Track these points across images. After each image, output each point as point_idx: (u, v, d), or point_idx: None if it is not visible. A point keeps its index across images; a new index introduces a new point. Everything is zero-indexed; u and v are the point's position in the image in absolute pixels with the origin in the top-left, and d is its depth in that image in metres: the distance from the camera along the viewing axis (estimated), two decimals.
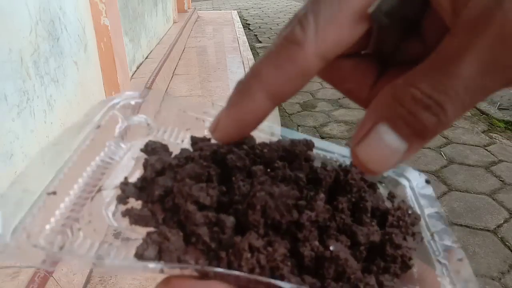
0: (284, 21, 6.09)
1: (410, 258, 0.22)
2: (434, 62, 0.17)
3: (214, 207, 0.22)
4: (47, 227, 0.20)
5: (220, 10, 7.18)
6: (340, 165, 0.26)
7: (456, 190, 1.91)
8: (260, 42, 4.88)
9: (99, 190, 0.24)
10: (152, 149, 0.26)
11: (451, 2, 0.17)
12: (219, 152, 0.25)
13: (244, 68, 3.32)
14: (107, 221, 0.23)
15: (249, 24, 6.00)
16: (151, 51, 3.31)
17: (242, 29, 4.98)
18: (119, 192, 0.23)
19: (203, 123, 0.28)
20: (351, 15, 0.18)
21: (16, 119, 1.27)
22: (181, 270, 0.20)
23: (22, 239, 0.19)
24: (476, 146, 2.30)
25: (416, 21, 0.20)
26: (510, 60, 0.16)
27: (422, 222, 0.25)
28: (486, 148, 2.28)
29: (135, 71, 2.83)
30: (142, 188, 0.23)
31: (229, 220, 0.21)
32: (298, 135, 0.27)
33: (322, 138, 2.44)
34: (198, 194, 0.22)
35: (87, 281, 1.25)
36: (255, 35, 5.24)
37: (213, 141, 0.27)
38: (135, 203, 0.23)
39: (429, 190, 0.27)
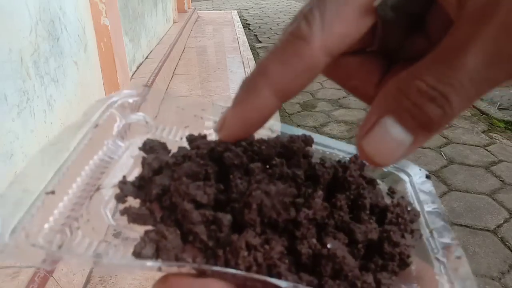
0: (284, 21, 6.09)
1: (408, 256, 0.22)
2: (439, 55, 0.17)
3: (212, 205, 0.22)
4: (46, 226, 0.20)
5: (220, 10, 7.18)
6: (339, 161, 0.25)
7: (456, 190, 1.91)
8: (260, 42, 4.88)
9: (98, 189, 0.24)
10: (150, 148, 0.26)
11: None
12: (216, 150, 0.25)
13: (244, 68, 3.32)
14: (106, 220, 0.23)
15: (249, 24, 6.00)
16: (151, 51, 3.31)
17: (242, 29, 4.98)
18: (117, 191, 0.23)
19: (202, 121, 0.28)
20: (357, 9, 0.18)
21: (16, 119, 1.27)
22: (178, 268, 0.20)
23: (21, 238, 0.19)
24: (476, 146, 2.30)
25: (421, 16, 0.20)
26: None
27: (422, 218, 0.25)
28: (486, 148, 2.28)
29: (135, 71, 2.83)
30: (140, 186, 0.23)
31: (226, 218, 0.21)
32: (298, 131, 0.27)
33: None
34: (195, 192, 0.22)
35: (87, 281, 1.25)
36: (255, 35, 5.24)
37: (209, 138, 0.27)
38: (133, 202, 0.23)
39: (429, 186, 0.27)
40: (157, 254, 0.20)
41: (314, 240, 0.21)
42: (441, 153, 2.24)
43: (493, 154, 2.21)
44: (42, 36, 1.49)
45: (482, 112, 2.72)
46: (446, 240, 0.23)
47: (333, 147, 0.28)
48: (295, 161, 0.25)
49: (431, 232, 0.24)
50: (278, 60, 0.19)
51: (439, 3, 0.18)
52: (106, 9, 2.02)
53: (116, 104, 0.27)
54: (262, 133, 0.27)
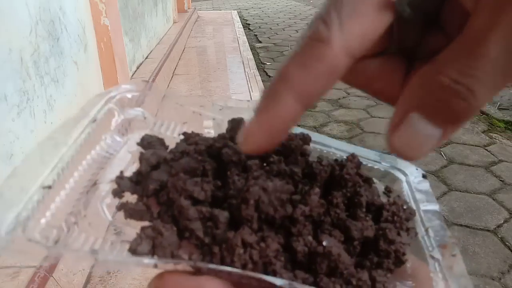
0: (284, 21, 6.09)
1: (403, 254, 0.22)
2: (459, 47, 0.17)
3: (209, 202, 0.22)
4: (43, 221, 0.20)
5: (220, 10, 7.18)
6: (336, 160, 0.26)
7: (456, 190, 1.91)
8: (260, 42, 4.88)
9: (95, 184, 0.24)
10: (148, 143, 0.26)
11: None
12: (214, 146, 0.25)
13: (244, 68, 3.32)
14: (102, 215, 0.23)
15: (249, 24, 6.01)
16: (151, 51, 3.31)
17: (242, 29, 4.98)
18: (114, 186, 0.23)
19: (200, 117, 0.28)
20: (375, 7, 0.18)
21: (16, 119, 1.27)
22: (174, 265, 0.20)
23: (17, 233, 0.19)
24: (476, 146, 2.30)
25: (435, 12, 0.20)
26: None
27: (417, 217, 0.25)
28: (486, 148, 2.28)
29: (135, 71, 2.83)
30: (137, 182, 0.23)
31: (223, 215, 0.21)
32: (297, 130, 0.27)
33: None
34: (192, 188, 0.22)
35: (87, 281, 1.25)
36: (255, 35, 5.24)
37: (206, 135, 0.27)
38: (130, 197, 0.23)
39: (425, 185, 0.27)
40: (153, 251, 0.20)
41: (310, 238, 0.21)
42: (441, 153, 2.24)
43: (493, 154, 2.21)
44: (42, 36, 1.49)
45: (482, 112, 2.72)
46: (442, 238, 0.23)
47: (331, 146, 0.28)
48: (293, 158, 0.25)
49: (426, 230, 0.24)
50: (298, 65, 0.18)
51: None
52: (106, 9, 2.02)
53: (115, 99, 0.27)
54: None
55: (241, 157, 0.24)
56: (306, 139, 0.26)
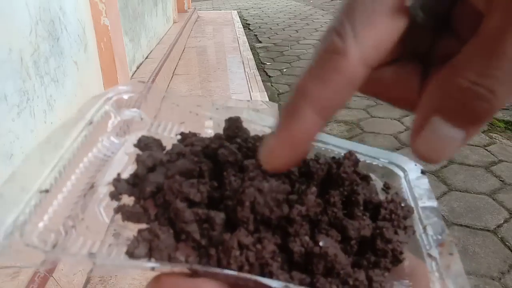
0: (284, 21, 6.09)
1: (401, 252, 0.22)
2: (475, 48, 0.17)
3: (205, 203, 0.22)
4: (41, 225, 0.20)
5: (220, 10, 7.18)
6: (333, 158, 0.25)
7: (456, 190, 1.91)
8: (260, 42, 4.88)
9: (92, 187, 0.24)
10: (145, 145, 0.26)
11: None
12: (210, 146, 0.25)
13: (244, 68, 3.32)
14: (100, 218, 0.23)
15: (249, 24, 6.01)
16: (151, 51, 3.31)
17: (242, 29, 4.98)
18: (112, 188, 0.23)
19: (197, 117, 0.28)
20: (387, 13, 0.18)
21: (16, 119, 1.27)
22: (171, 268, 0.20)
23: (15, 238, 0.19)
24: (476, 146, 2.30)
25: (447, 16, 0.20)
26: None
27: (415, 214, 0.25)
28: (486, 148, 2.28)
29: (135, 71, 2.83)
30: (134, 184, 0.23)
31: (219, 217, 0.21)
32: None
33: None
34: (188, 190, 0.22)
35: (87, 281, 1.25)
36: (255, 35, 5.24)
37: (206, 135, 0.27)
38: (128, 199, 0.23)
39: (424, 181, 0.27)
40: (150, 254, 0.20)
41: (307, 238, 0.21)
42: None
43: (493, 154, 2.21)
44: (42, 36, 1.49)
45: None
46: (440, 236, 0.23)
47: (329, 143, 0.28)
48: None
49: (424, 228, 0.24)
50: (316, 78, 0.18)
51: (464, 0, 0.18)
52: (106, 9, 2.02)
53: (111, 101, 0.27)
54: (258, 130, 0.27)
55: (238, 157, 0.24)
56: None
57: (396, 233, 0.22)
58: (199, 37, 4.50)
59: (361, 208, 0.23)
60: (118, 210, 0.22)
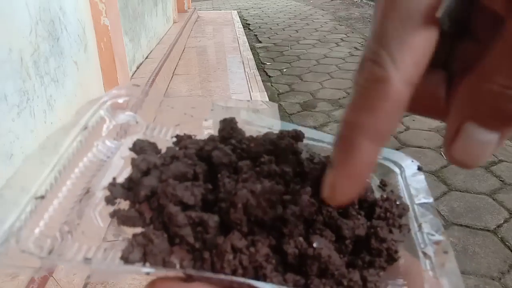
0: (284, 21, 6.09)
1: (396, 251, 0.22)
2: (501, 52, 0.17)
3: (200, 206, 0.22)
4: (37, 231, 0.20)
5: (220, 10, 7.18)
6: (328, 157, 0.25)
7: (456, 190, 1.91)
8: (260, 42, 4.88)
9: (88, 191, 0.24)
10: (140, 148, 0.26)
11: None
12: (204, 149, 0.25)
13: (244, 68, 3.32)
14: (96, 223, 0.23)
15: (249, 24, 6.00)
16: (151, 51, 3.31)
17: (242, 29, 4.98)
18: (107, 193, 0.23)
19: (192, 119, 0.28)
20: (419, 29, 0.18)
21: (16, 119, 1.27)
22: (166, 272, 0.20)
23: (11, 244, 0.19)
24: None
25: (466, 20, 0.20)
26: None
27: (411, 212, 0.25)
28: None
29: (135, 71, 2.83)
30: (129, 188, 0.23)
31: (213, 220, 0.21)
32: (290, 126, 0.27)
33: None
34: (182, 194, 0.22)
35: (87, 281, 1.25)
36: (255, 35, 5.24)
37: (198, 137, 0.27)
38: (124, 204, 0.23)
39: (420, 178, 0.27)
40: (145, 258, 0.20)
41: (301, 239, 0.21)
42: (441, 153, 2.24)
43: (493, 154, 2.21)
44: (42, 36, 1.49)
45: None
46: (435, 234, 0.23)
47: (324, 141, 0.28)
48: (284, 158, 0.25)
49: (419, 226, 0.24)
50: (365, 110, 0.19)
51: (482, 3, 0.18)
52: (106, 9, 2.02)
53: (106, 105, 0.27)
54: (253, 130, 0.27)
55: (232, 159, 0.24)
56: (298, 136, 0.26)
57: (391, 232, 0.22)
58: (199, 37, 4.50)
59: (356, 207, 0.23)
60: (113, 214, 0.22)
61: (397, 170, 0.28)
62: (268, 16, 6.61)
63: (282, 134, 0.26)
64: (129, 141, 0.26)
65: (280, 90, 3.28)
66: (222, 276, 0.19)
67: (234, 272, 0.19)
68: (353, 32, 5.22)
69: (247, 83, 2.99)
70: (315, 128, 2.62)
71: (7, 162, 1.21)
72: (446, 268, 0.21)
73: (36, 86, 1.41)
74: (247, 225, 0.21)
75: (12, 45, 1.27)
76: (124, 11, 2.59)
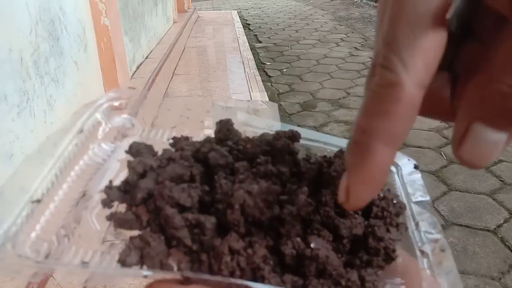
0: (284, 21, 6.09)
1: (393, 250, 0.22)
2: (509, 51, 0.17)
3: (197, 208, 0.22)
4: (33, 235, 0.20)
5: (220, 10, 7.18)
6: (324, 157, 0.25)
7: (456, 190, 1.91)
8: (260, 42, 4.88)
9: (84, 195, 0.24)
10: (137, 151, 0.26)
11: None
12: (201, 150, 0.25)
13: (244, 68, 3.32)
14: (92, 226, 0.23)
15: (249, 24, 6.00)
16: (151, 51, 3.31)
17: (242, 29, 4.98)
18: (104, 196, 0.23)
19: (188, 120, 0.28)
20: (429, 31, 0.18)
21: (16, 119, 1.27)
22: (163, 275, 0.20)
23: (7, 249, 0.19)
24: None
25: (469, 22, 0.20)
26: None
27: (408, 211, 0.25)
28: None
29: (135, 71, 2.84)
30: (126, 191, 0.23)
31: (210, 221, 0.21)
32: (286, 126, 0.27)
33: None
34: (178, 195, 0.22)
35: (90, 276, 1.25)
36: (255, 35, 5.24)
37: (194, 139, 0.27)
38: (121, 206, 0.23)
39: (417, 176, 0.27)
40: (142, 261, 0.20)
41: (298, 239, 0.21)
42: (441, 153, 2.24)
43: None
44: (42, 36, 1.49)
45: None
46: (432, 232, 0.23)
47: (320, 141, 0.28)
48: (280, 158, 0.25)
49: (417, 224, 0.24)
50: (378, 114, 0.19)
51: (486, 4, 0.18)
52: (106, 9, 2.02)
53: (102, 108, 0.27)
54: (248, 131, 0.28)
55: (228, 160, 0.24)
56: (294, 137, 0.26)
57: (388, 231, 0.22)
58: (199, 37, 4.50)
59: None
60: (110, 217, 0.22)
61: (393, 169, 0.28)
62: (268, 16, 6.61)
63: (278, 135, 0.26)
64: (125, 144, 0.26)
65: (280, 90, 3.28)
66: (219, 278, 0.19)
67: (231, 274, 0.19)
68: (353, 32, 5.22)
69: (247, 83, 2.99)
70: (315, 128, 2.62)
71: (7, 162, 1.21)
72: (443, 267, 0.21)
73: (36, 86, 1.41)
74: (244, 226, 0.21)
75: (12, 45, 1.27)
76: (124, 11, 2.59)
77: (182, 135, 0.27)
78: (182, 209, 0.22)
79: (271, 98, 3.01)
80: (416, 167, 0.27)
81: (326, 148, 0.28)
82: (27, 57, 1.37)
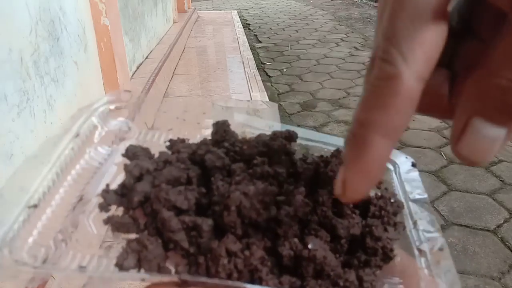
0: (284, 21, 6.09)
1: (391, 250, 0.22)
2: (508, 46, 0.17)
3: (194, 210, 0.22)
4: (30, 240, 0.20)
5: (220, 10, 7.18)
6: (321, 156, 0.25)
7: (456, 190, 1.91)
8: (260, 42, 4.88)
9: (81, 199, 0.24)
10: (133, 154, 0.26)
11: None
12: (197, 153, 0.25)
13: (244, 68, 3.32)
14: (90, 230, 0.23)
15: (249, 24, 6.00)
16: (151, 51, 3.31)
17: (242, 29, 4.98)
18: (101, 200, 0.23)
19: (184, 122, 0.28)
20: (430, 24, 0.18)
21: (16, 119, 1.27)
22: (161, 278, 0.20)
23: (4, 254, 0.19)
24: None
25: (469, 20, 0.20)
26: None
27: (406, 209, 0.25)
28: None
29: (135, 71, 2.83)
30: (123, 194, 0.23)
31: (207, 224, 0.21)
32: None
33: None
34: (175, 198, 0.22)
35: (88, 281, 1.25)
36: (255, 35, 5.24)
37: (190, 141, 0.27)
38: (118, 210, 0.23)
39: (414, 174, 0.27)
40: (140, 265, 0.20)
41: (296, 240, 0.21)
42: (441, 153, 2.24)
43: None
44: (42, 36, 1.49)
45: None
46: (430, 231, 0.23)
47: (317, 140, 0.28)
48: (277, 159, 0.25)
49: (414, 223, 0.24)
50: (376, 106, 0.19)
51: (486, 1, 0.18)
52: (106, 9, 2.02)
53: (97, 112, 0.27)
54: (246, 131, 0.27)
55: (225, 162, 0.24)
56: (291, 137, 0.26)
57: (385, 230, 0.22)
58: (199, 37, 4.50)
59: (350, 206, 0.23)
60: (107, 221, 0.22)
61: (391, 167, 0.28)
62: (268, 16, 6.61)
63: (274, 135, 0.26)
64: (121, 147, 0.26)
65: (280, 90, 3.27)
66: (217, 281, 0.19)
67: (229, 276, 0.19)
68: (353, 32, 5.22)
69: (247, 83, 2.99)
70: (315, 128, 2.62)
71: (7, 162, 1.21)
72: (441, 266, 0.21)
73: (36, 86, 1.41)
74: (241, 228, 0.21)
75: (12, 45, 1.27)
76: (124, 11, 2.58)
77: (178, 138, 0.27)
78: (179, 211, 0.22)
79: (271, 98, 3.01)
80: (414, 165, 0.27)
81: (325, 148, 0.28)
82: (27, 57, 1.37)
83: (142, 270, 0.20)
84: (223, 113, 0.28)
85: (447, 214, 1.75)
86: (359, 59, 3.99)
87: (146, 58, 3.14)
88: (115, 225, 0.22)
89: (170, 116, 0.29)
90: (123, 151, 0.26)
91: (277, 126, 0.29)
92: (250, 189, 0.21)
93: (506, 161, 2.13)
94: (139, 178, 0.24)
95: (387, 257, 0.22)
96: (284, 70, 3.78)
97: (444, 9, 0.18)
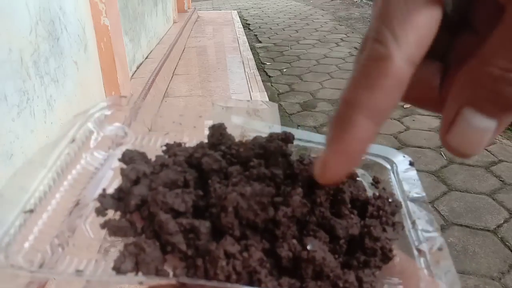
0: (284, 21, 6.09)
1: (390, 250, 0.22)
2: (503, 36, 0.16)
3: (191, 213, 0.22)
4: (26, 245, 0.20)
5: (220, 10, 7.18)
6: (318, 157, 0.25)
7: (456, 190, 1.91)
8: (260, 42, 4.88)
9: (78, 203, 0.24)
10: (130, 158, 0.26)
11: None
12: (194, 156, 0.25)
13: (244, 68, 3.32)
14: (87, 234, 0.23)
15: (249, 24, 6.00)
16: (151, 51, 3.31)
17: (242, 29, 4.98)
18: (97, 204, 0.23)
19: (181, 127, 0.28)
20: (423, 7, 0.18)
21: (16, 119, 1.27)
22: (159, 281, 0.20)
23: (0, 259, 0.19)
24: None
25: (465, 11, 0.20)
26: None
27: (404, 209, 0.24)
28: (486, 148, 2.28)
29: (135, 71, 2.83)
30: (120, 198, 0.23)
31: (204, 226, 0.21)
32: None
33: None
34: (172, 201, 0.22)
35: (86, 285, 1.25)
36: (255, 35, 5.24)
37: (187, 145, 0.27)
38: (115, 214, 0.23)
39: (412, 173, 0.27)
40: (137, 268, 0.20)
41: (294, 241, 0.21)
42: (441, 153, 2.24)
43: (493, 154, 2.21)
44: (42, 36, 1.49)
45: None
46: (429, 231, 0.23)
47: (313, 141, 0.28)
48: (274, 160, 0.25)
49: (413, 223, 0.24)
50: (364, 87, 0.18)
51: None
52: (106, 9, 2.02)
53: (93, 118, 0.27)
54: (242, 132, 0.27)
55: (222, 165, 0.24)
56: (287, 139, 0.26)
57: (384, 230, 0.22)
58: (199, 37, 4.50)
59: (349, 206, 0.23)
60: (104, 225, 0.22)
61: (389, 166, 0.27)
62: (268, 16, 6.61)
63: (271, 137, 0.26)
64: (118, 152, 0.26)
65: (280, 90, 3.27)
66: (215, 283, 0.19)
67: (228, 278, 0.19)
68: (353, 32, 5.22)
69: (247, 83, 2.99)
70: (315, 128, 2.62)
71: (7, 162, 1.21)
72: (441, 266, 0.21)
73: (36, 86, 1.41)
74: (239, 229, 0.21)
75: (12, 45, 1.27)
76: (124, 11, 2.58)
77: (174, 142, 0.27)
78: (176, 214, 0.22)
79: (271, 98, 3.01)
80: (411, 163, 0.27)
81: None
82: (27, 57, 1.37)
83: (140, 273, 0.20)
84: (223, 113, 0.28)
85: (447, 214, 1.75)
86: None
87: (146, 58, 3.14)
88: (112, 229, 0.22)
89: (166, 120, 0.29)
90: (120, 156, 0.26)
91: (277, 127, 0.29)
92: (247, 190, 0.21)
93: (506, 161, 2.13)
94: (135, 182, 0.24)
95: (386, 257, 0.22)
96: (284, 70, 3.78)
97: None
